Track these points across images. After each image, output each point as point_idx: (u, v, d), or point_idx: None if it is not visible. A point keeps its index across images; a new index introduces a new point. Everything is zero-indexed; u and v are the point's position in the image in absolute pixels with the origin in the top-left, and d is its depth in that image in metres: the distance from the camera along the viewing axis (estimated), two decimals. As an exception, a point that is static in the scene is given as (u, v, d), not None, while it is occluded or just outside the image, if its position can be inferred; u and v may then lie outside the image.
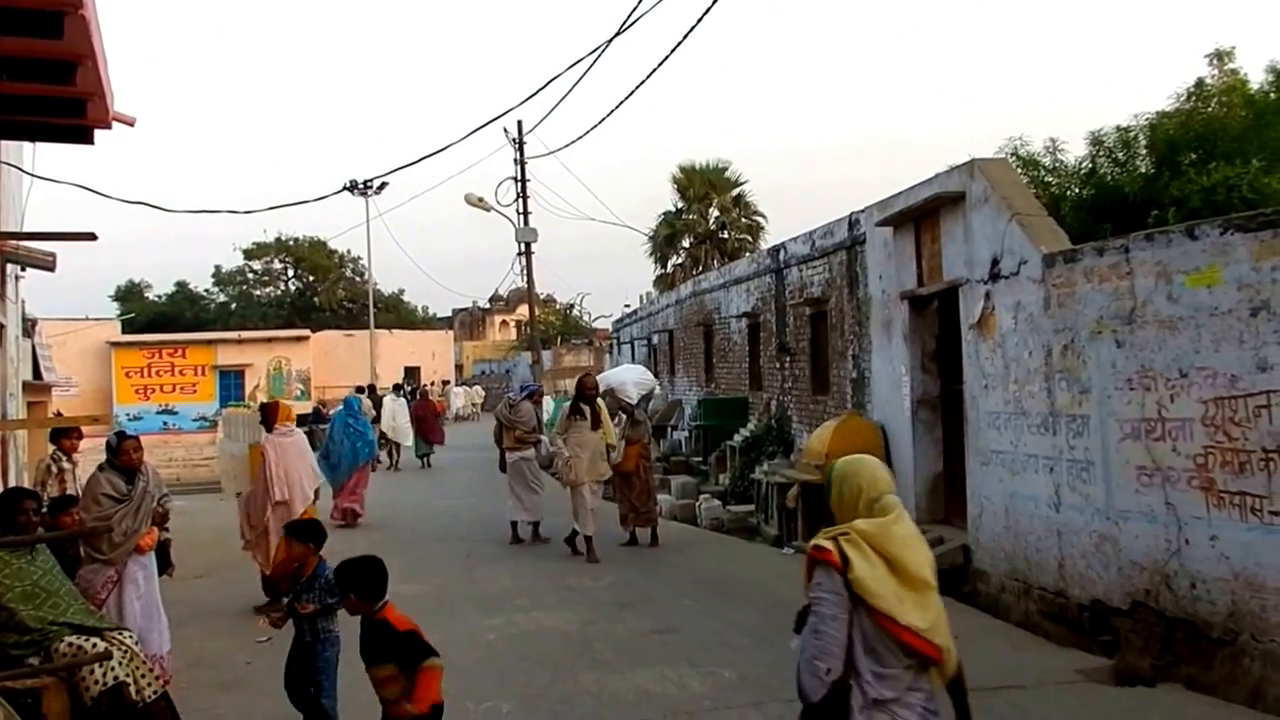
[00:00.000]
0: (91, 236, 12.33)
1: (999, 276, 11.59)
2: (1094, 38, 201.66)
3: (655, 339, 34.55)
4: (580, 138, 52.57)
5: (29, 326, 21.32)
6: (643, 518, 15.66)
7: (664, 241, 52.75)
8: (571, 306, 76.14)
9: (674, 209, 53.07)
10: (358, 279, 77.58)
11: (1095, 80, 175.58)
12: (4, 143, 13.10)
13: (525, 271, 36.25)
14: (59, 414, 21.90)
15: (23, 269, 15.87)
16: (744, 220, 52.56)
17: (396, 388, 33.49)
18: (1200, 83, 17.80)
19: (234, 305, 79.09)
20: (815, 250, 18.47)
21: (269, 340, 56.85)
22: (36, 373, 23.83)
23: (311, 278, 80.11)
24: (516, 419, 16.77)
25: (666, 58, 14.62)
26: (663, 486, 20.42)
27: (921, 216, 13.64)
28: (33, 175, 15.01)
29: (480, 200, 35.14)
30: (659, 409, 28.42)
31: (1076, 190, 17.14)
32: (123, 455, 9.17)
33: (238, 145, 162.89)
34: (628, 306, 52.17)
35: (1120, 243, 9.63)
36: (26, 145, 14.34)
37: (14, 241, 13.47)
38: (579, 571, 13.89)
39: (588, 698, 8.66)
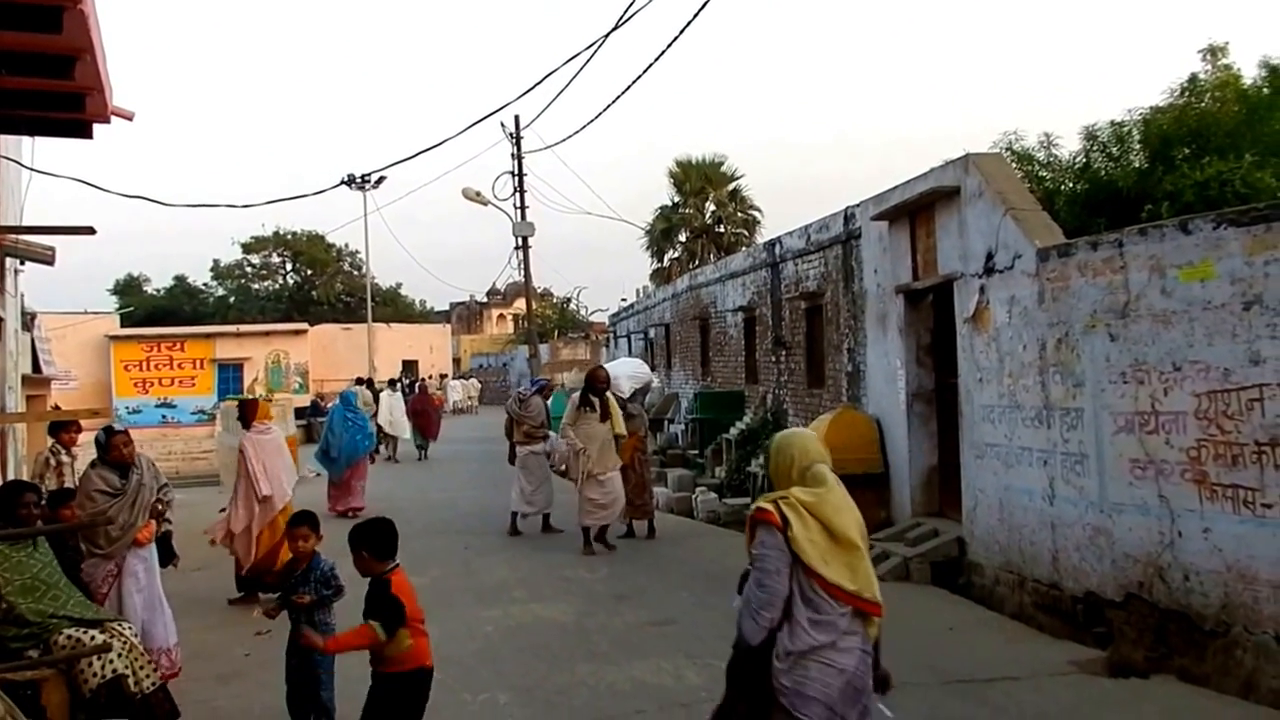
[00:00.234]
0: (90, 230, 12.34)
1: (993, 270, 11.63)
2: (1088, 33, 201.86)
3: (652, 333, 34.59)
4: (577, 132, 52.49)
5: (28, 320, 21.34)
6: (639, 510, 15.72)
7: (660, 235, 52.82)
8: (568, 300, 76.22)
9: (670, 203, 53.18)
10: (356, 273, 77.74)
11: (1089, 75, 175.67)
12: (3, 137, 13.11)
13: (522, 265, 36.31)
14: (57, 407, 21.97)
15: (22, 263, 15.88)
16: (740, 214, 52.63)
17: (392, 383, 33.55)
18: (1194, 78, 17.82)
19: (232, 299, 79.24)
20: (811, 244, 18.49)
21: (267, 334, 56.81)
22: (36, 366, 23.84)
23: (310, 271, 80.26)
24: (525, 414, 16.84)
25: (663, 52, 14.65)
26: (659, 479, 20.45)
27: (916, 211, 13.67)
28: (32, 169, 15.04)
29: (478, 194, 35.19)
30: (655, 402, 28.44)
31: (1071, 185, 17.15)
32: (113, 451, 9.13)
33: (236, 140, 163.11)
34: (624, 300, 52.27)
35: (1114, 237, 9.67)
36: (25, 139, 14.36)
37: (13, 235, 13.48)
38: (576, 564, 13.94)
39: (584, 689, 8.70)
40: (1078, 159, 17.37)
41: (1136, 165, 16.50)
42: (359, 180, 47.99)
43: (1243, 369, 8.26)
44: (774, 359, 20.82)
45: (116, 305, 69.64)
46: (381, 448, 29.04)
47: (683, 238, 53.00)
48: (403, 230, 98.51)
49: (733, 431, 21.23)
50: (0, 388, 13.64)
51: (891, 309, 14.66)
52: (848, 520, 5.00)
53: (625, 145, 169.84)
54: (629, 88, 19.82)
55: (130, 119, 9.37)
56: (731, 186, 52.42)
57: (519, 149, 34.92)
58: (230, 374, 53.79)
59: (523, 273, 36.83)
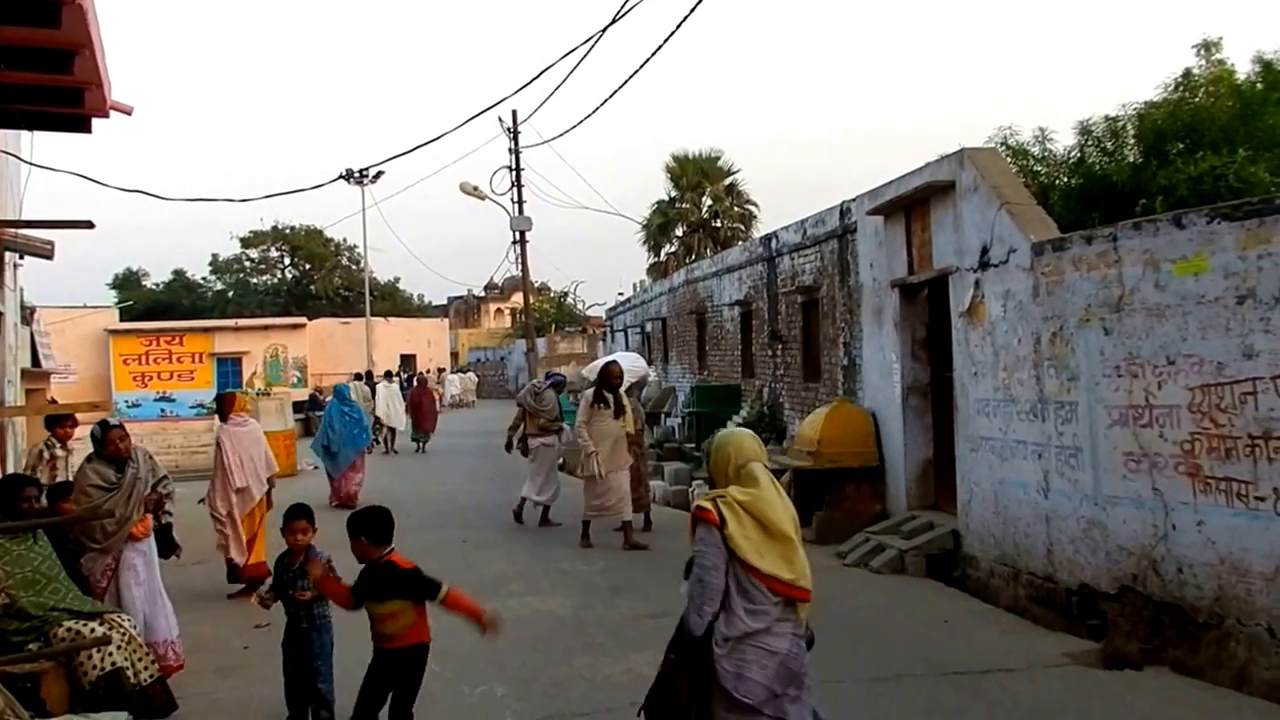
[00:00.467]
0: (89, 225, 12.38)
1: (988, 265, 11.67)
2: (1083, 28, 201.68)
3: (649, 327, 34.59)
4: (574, 127, 52.61)
5: (27, 314, 21.38)
6: (635, 503, 15.74)
7: (657, 230, 52.83)
8: (566, 294, 76.11)
9: (667, 198, 53.20)
10: (354, 267, 77.68)
11: (1084, 70, 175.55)
12: (2, 131, 13.13)
13: (520, 260, 36.32)
14: (53, 400, 21.95)
15: (21, 257, 15.91)
16: (736, 209, 52.69)
17: (388, 374, 33.63)
18: (1188, 73, 17.86)
19: (231, 293, 79.21)
20: (807, 239, 18.52)
21: (266, 328, 56.88)
22: (35, 360, 23.89)
23: (308, 266, 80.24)
24: (541, 407, 17.03)
25: (660, 47, 14.67)
26: (656, 473, 20.48)
27: (912, 205, 13.71)
28: (31, 164, 15.06)
29: (475, 189, 35.20)
30: (652, 396, 28.48)
31: (1065, 179, 17.20)
32: (108, 445, 9.12)
33: (234, 134, 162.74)
34: (621, 294, 52.33)
35: (1108, 231, 9.70)
36: (24, 134, 14.38)
37: (12, 229, 13.50)
38: (572, 556, 13.98)
39: (581, 681, 8.74)
40: (1072, 154, 17.42)
41: (1131, 160, 16.54)
42: (357, 174, 48.00)
43: (1236, 363, 8.30)
44: (770, 353, 20.85)
45: (115, 299, 69.61)
46: (378, 440, 29.22)
47: (679, 232, 53.02)
48: (401, 224, 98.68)
49: (730, 425, 21.25)
50: (0, 381, 13.67)
51: (887, 303, 14.70)
52: (781, 515, 5.30)
53: (622, 139, 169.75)
54: (626, 82, 19.83)
55: (129, 114, 9.38)
56: (728, 181, 52.42)
57: (516, 143, 34.93)
58: (229, 368, 53.84)
59: (520, 267, 36.86)
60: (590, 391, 15.26)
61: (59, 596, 7.62)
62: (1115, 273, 9.48)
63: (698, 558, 5.29)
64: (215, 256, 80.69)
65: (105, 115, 8.66)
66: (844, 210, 16.62)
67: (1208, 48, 18.15)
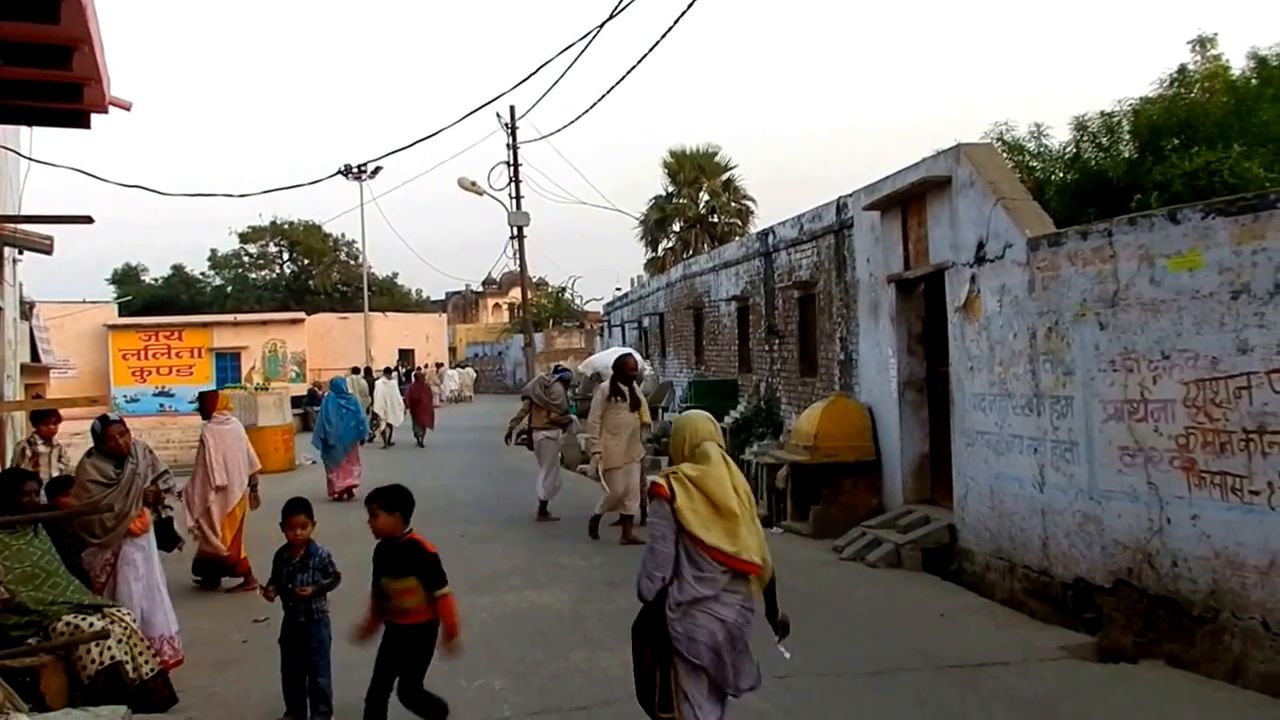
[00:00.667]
0: (88, 220, 12.40)
1: (984, 260, 11.70)
2: (1079, 25, 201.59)
3: (646, 322, 34.61)
4: (571, 122, 52.54)
5: (27, 309, 21.42)
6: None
7: (655, 225, 52.87)
8: (563, 289, 76.08)
9: (664, 193, 53.20)
10: (352, 262, 77.62)
11: (1080, 66, 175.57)
12: (1, 127, 13.16)
13: (517, 255, 36.34)
14: (39, 396, 21.92)
15: (20, 252, 15.94)
16: (733, 204, 52.69)
17: (387, 370, 33.73)
18: (1183, 69, 17.84)
19: (230, 288, 79.13)
20: (804, 234, 18.55)
21: (264, 323, 56.80)
22: (35, 355, 23.93)
23: (306, 261, 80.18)
24: (550, 400, 17.13)
25: (657, 43, 14.71)
26: (653, 467, 20.50)
27: (908, 201, 13.74)
28: (30, 159, 15.07)
29: (473, 184, 35.22)
30: (650, 391, 28.47)
31: (1061, 175, 17.18)
32: (108, 440, 9.14)
33: (233, 130, 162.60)
34: (619, 289, 52.34)
35: (1104, 226, 9.74)
36: (24, 129, 14.40)
37: (11, 225, 13.52)
38: (570, 551, 14.00)
39: (579, 674, 8.77)
40: (1068, 149, 17.40)
41: (1126, 155, 16.53)
42: (355, 170, 47.98)
43: (1231, 357, 8.33)
44: (767, 348, 20.87)
45: (114, 294, 69.72)
46: (375, 433, 29.33)
47: (677, 227, 53.03)
48: (399, 220, 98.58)
49: (726, 420, 21.23)
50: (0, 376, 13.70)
51: (883, 298, 14.73)
52: (728, 492, 5.68)
53: (620, 135, 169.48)
54: (623, 78, 19.89)
55: (128, 109, 9.39)
56: (725, 176, 52.43)
57: (514, 139, 34.95)
58: (228, 363, 53.84)
59: (518, 262, 36.88)
60: (606, 384, 15.22)
61: (59, 591, 7.64)
62: (1110, 268, 9.51)
63: (650, 528, 5.80)
64: (214, 252, 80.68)
65: (104, 111, 8.69)
66: (840, 206, 16.64)
67: (1203, 44, 18.15)
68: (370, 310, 59.19)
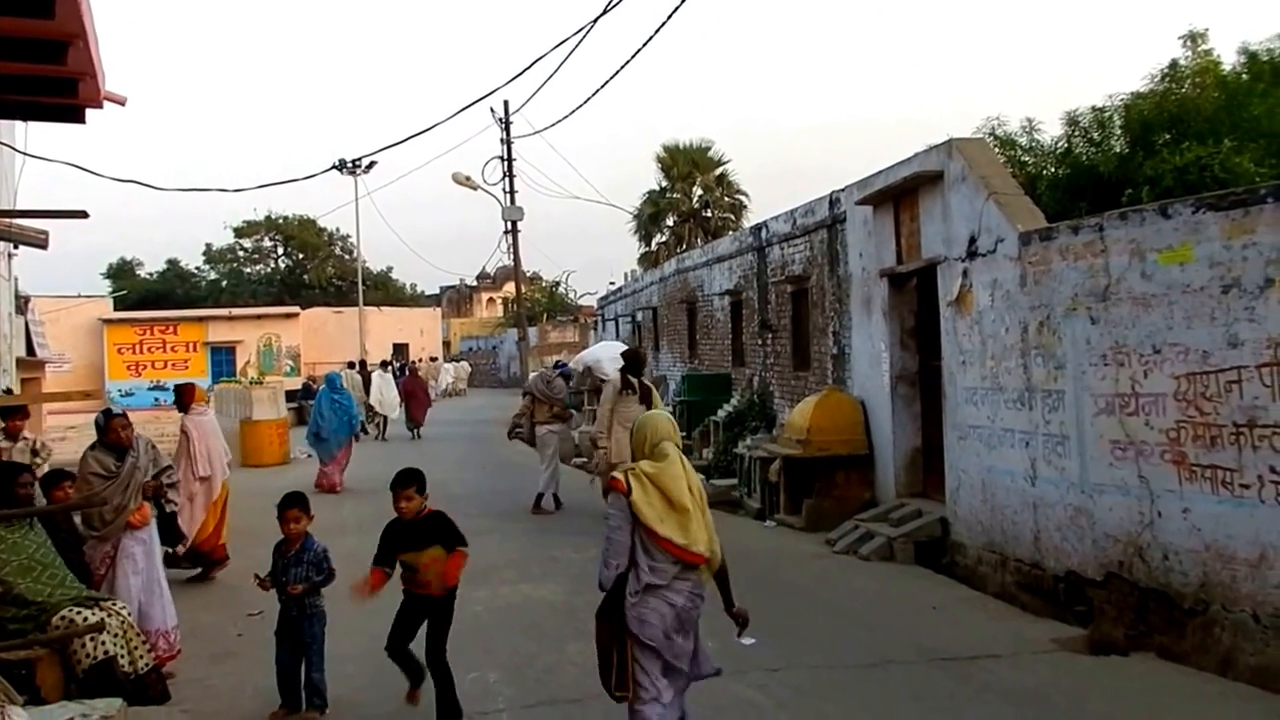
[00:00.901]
0: (83, 214, 12.39)
1: (976, 254, 11.74)
2: (1070, 20, 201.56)
3: (640, 316, 34.61)
4: (565, 118, 52.73)
5: (22, 303, 21.45)
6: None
7: (648, 220, 52.91)
8: (557, 284, 76.10)
9: (658, 188, 53.28)
10: (347, 257, 77.54)
11: (1071, 61, 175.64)
12: (-2, 122, 13.17)
13: (512, 249, 36.38)
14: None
15: (16, 246, 15.95)
16: (727, 199, 52.73)
17: (384, 364, 33.81)
18: (1174, 64, 17.87)
19: (225, 282, 79.18)
20: (796, 229, 18.57)
21: (259, 317, 56.98)
22: (30, 349, 23.91)
23: (301, 255, 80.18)
24: (553, 394, 17.38)
25: (651, 37, 14.74)
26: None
27: (900, 195, 13.76)
28: (25, 154, 15.09)
29: (467, 179, 35.25)
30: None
31: (1052, 169, 17.21)
32: (110, 433, 9.16)
33: (228, 125, 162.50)
34: (613, 284, 52.30)
35: (1095, 221, 9.78)
36: (19, 124, 14.40)
37: (7, 220, 13.52)
38: (564, 544, 14.00)
39: (572, 667, 8.78)
40: (1059, 144, 17.43)
41: (1117, 150, 16.56)
42: (350, 164, 48.00)
43: (1221, 351, 8.37)
44: (760, 342, 20.90)
45: (110, 289, 69.66)
46: (371, 427, 29.39)
47: (670, 222, 53.07)
48: (393, 214, 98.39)
49: (720, 414, 21.30)
50: (-6, 370, 13.71)
51: (876, 292, 14.76)
52: (682, 489, 6.05)
53: (613, 129, 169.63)
54: (617, 73, 19.94)
55: (123, 104, 9.41)
56: (718, 171, 52.50)
57: (508, 134, 34.97)
58: (223, 357, 53.98)
59: (512, 257, 36.92)
60: (617, 377, 15.21)
61: (56, 583, 7.66)
62: (1102, 262, 9.55)
63: (608, 519, 6.15)
64: (209, 246, 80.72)
65: (99, 106, 8.69)
66: (833, 200, 16.67)
67: (1194, 39, 18.19)
68: (365, 305, 59.16)
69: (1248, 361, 8.16)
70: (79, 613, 7.51)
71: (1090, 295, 9.71)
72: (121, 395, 47.90)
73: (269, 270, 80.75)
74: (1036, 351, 10.59)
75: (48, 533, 8.05)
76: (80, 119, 9.12)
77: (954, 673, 8.57)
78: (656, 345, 31.60)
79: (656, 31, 14.47)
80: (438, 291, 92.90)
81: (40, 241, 14.36)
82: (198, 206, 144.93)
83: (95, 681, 7.31)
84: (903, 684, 8.33)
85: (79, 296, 54.79)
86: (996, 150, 15.66)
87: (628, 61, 18.17)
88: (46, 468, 10.99)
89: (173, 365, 53.22)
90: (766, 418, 19.71)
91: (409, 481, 7.80)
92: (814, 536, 14.17)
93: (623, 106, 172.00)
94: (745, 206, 52.74)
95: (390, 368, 34.31)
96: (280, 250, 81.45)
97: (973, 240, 11.80)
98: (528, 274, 62.01)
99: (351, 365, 34.79)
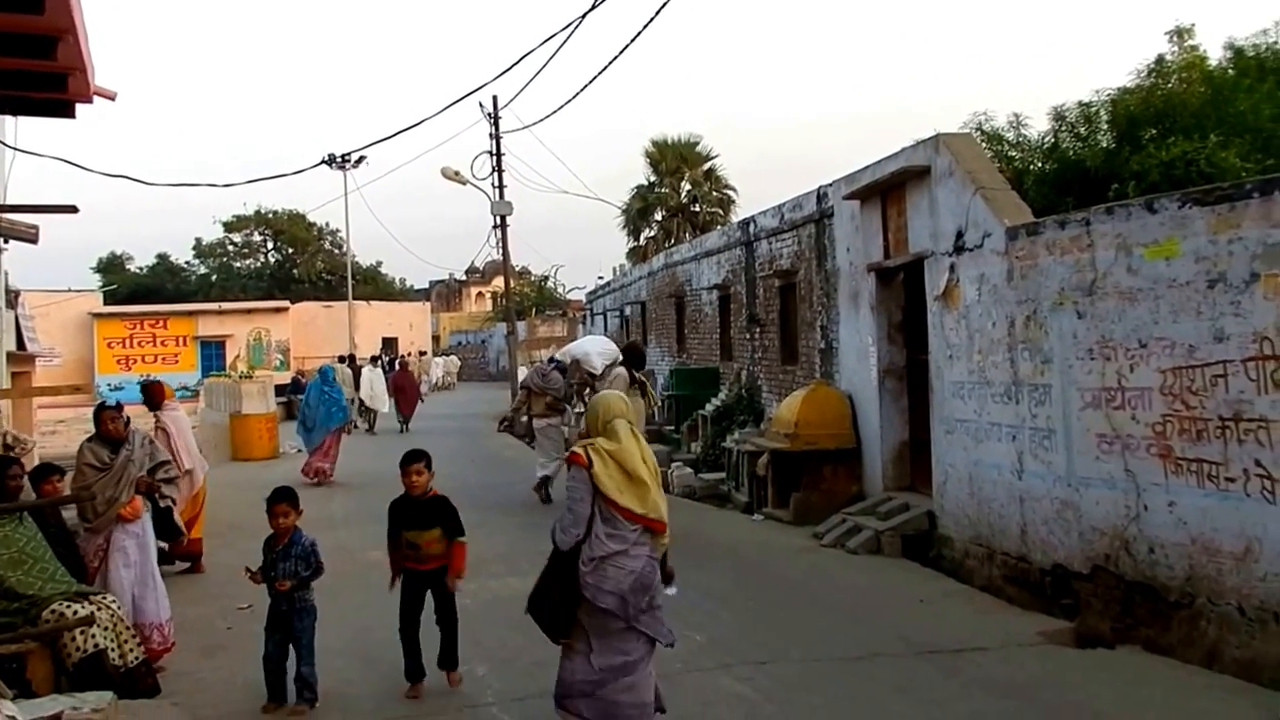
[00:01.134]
0: (73, 209, 12.37)
1: (963, 249, 11.78)
2: (1057, 15, 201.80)
3: (628, 310, 34.64)
4: (554, 112, 52.65)
5: (12, 298, 21.36)
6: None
7: (637, 214, 52.86)
8: (546, 278, 76.00)
9: (646, 182, 53.23)
10: (336, 251, 77.49)
11: (1058, 56, 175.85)
12: (-14, 116, 13.12)
13: (500, 244, 36.34)
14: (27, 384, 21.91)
15: (6, 241, 15.90)
16: (715, 194, 52.69)
17: (374, 359, 33.84)
18: (1160, 59, 17.93)
19: (214, 277, 79.11)
20: (784, 223, 18.59)
21: (249, 311, 57.04)
22: (20, 343, 23.85)
23: (290, 250, 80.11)
24: (549, 386, 17.75)
25: (639, 33, 14.69)
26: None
27: (888, 190, 13.80)
28: (14, 149, 15.02)
29: (456, 174, 35.20)
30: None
31: (1039, 164, 17.23)
32: (102, 425, 9.29)
33: (218, 119, 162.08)
34: (601, 278, 52.30)
35: (1081, 216, 9.82)
36: (8, 119, 14.34)
37: (-3, 214, 13.51)
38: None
39: (561, 661, 8.82)
40: (1046, 139, 17.46)
41: (1104, 145, 16.59)
42: (339, 159, 47.96)
43: (1207, 346, 8.41)
44: (748, 336, 20.92)
45: (100, 283, 69.49)
46: (360, 420, 29.43)
47: (659, 216, 52.99)
48: (383, 209, 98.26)
49: (708, 408, 21.34)
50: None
51: (863, 287, 14.80)
52: (638, 462, 6.42)
53: (602, 124, 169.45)
54: (606, 68, 19.92)
55: (113, 99, 9.38)
56: (707, 166, 52.42)
57: (497, 129, 34.89)
58: (213, 351, 53.99)
59: (501, 251, 36.89)
60: (624, 372, 15.18)
61: (46, 576, 7.67)
62: (1088, 257, 9.59)
63: (569, 491, 6.50)
64: (199, 240, 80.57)
65: (89, 100, 8.67)
66: (821, 195, 16.69)
67: (1180, 34, 18.26)
68: (354, 299, 59.14)
69: (1233, 356, 8.20)
70: (69, 606, 7.52)
71: (1077, 290, 9.75)
72: (111, 389, 47.77)
73: (259, 265, 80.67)
74: (1023, 346, 10.63)
75: (38, 526, 8.06)
76: (70, 114, 9.09)
77: (941, 665, 8.61)
78: (645, 339, 31.57)
79: (645, 26, 14.49)
80: (427, 286, 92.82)
81: (30, 236, 14.32)
82: (187, 201, 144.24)
83: (85, 675, 7.33)
84: (890, 677, 8.36)
85: (69, 291, 54.79)
86: (983, 145, 15.69)
87: (616, 56, 18.20)
88: (36, 459, 11.01)
89: (162, 359, 53.25)
90: (754, 412, 19.75)
91: (418, 457, 8.33)
92: (801, 530, 14.20)
93: (611, 102, 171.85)
94: (733, 201, 52.77)
95: (380, 362, 34.33)
96: (270, 245, 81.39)
97: (960, 235, 11.84)
98: (516, 268, 61.84)
99: (343, 359, 34.80)
